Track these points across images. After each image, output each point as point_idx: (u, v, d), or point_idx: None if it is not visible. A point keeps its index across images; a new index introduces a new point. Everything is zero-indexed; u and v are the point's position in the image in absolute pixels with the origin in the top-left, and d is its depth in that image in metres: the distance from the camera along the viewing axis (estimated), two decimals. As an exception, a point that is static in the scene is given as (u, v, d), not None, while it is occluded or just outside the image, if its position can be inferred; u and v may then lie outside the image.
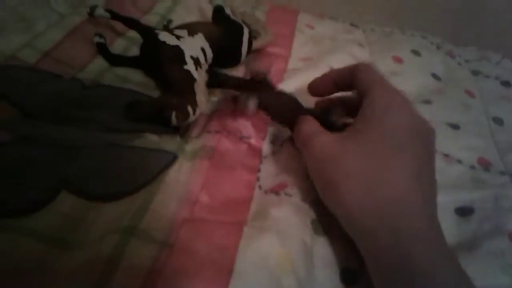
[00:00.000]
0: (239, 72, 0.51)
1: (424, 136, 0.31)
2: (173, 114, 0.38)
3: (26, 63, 0.42)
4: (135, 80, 0.46)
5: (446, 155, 0.43)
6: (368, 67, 0.35)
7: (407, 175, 0.28)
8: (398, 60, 0.58)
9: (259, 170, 0.38)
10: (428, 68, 0.57)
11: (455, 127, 0.47)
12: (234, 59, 0.51)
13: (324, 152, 0.32)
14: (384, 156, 0.29)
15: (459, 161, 0.43)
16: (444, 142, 0.44)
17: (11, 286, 0.26)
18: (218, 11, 0.53)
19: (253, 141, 0.41)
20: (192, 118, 0.39)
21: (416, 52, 0.60)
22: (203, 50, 0.46)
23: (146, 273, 0.27)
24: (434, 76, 0.56)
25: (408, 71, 0.56)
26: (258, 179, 0.38)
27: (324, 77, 0.39)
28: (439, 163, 0.41)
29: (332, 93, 0.39)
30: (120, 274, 0.26)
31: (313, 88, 0.40)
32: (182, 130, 0.40)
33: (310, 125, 0.35)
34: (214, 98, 0.46)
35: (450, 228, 0.35)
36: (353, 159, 0.30)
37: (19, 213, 0.29)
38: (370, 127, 0.31)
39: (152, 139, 0.38)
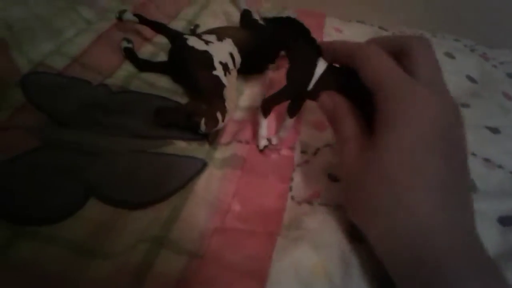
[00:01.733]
0: (267, 76, 0.50)
1: (452, 134, 0.27)
2: (202, 121, 0.37)
3: (54, 69, 0.42)
4: (163, 86, 0.45)
5: (487, 160, 0.41)
6: (425, 44, 0.30)
7: (430, 196, 0.25)
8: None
9: (291, 180, 0.37)
10: (463, 71, 0.55)
11: (495, 131, 0.45)
12: (262, 63, 0.50)
13: (348, 167, 0.29)
14: (403, 180, 0.25)
15: (500, 166, 0.41)
16: (484, 146, 0.42)
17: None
18: (246, 15, 0.53)
19: (283, 152, 0.40)
20: (221, 124, 0.38)
21: (449, 55, 0.58)
22: (231, 55, 0.45)
23: (176, 284, 0.26)
24: (470, 78, 0.54)
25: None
26: (290, 188, 0.36)
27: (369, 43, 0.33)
28: (479, 168, 0.40)
29: None
30: (149, 283, 0.26)
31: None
32: (211, 137, 0.40)
33: (350, 127, 0.31)
34: (244, 104, 0.45)
35: (492, 238, 0.33)
36: (373, 185, 0.27)
37: (47, 221, 0.29)
38: (388, 143, 0.26)
39: (180, 146, 0.38)
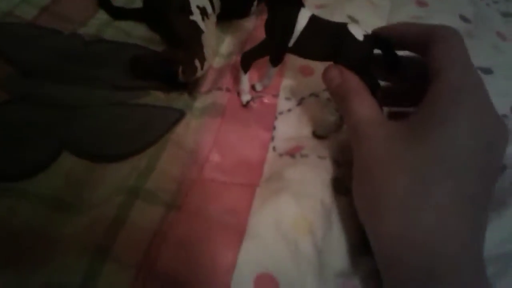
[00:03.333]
0: (249, 22, 0.47)
1: (492, 149, 0.24)
2: (180, 69, 0.35)
3: (23, 19, 0.39)
4: (139, 34, 0.43)
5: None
6: (452, 38, 0.27)
7: (457, 204, 0.23)
8: (422, 3, 0.53)
9: (274, 128, 0.36)
10: (456, 10, 0.53)
11: (488, 71, 0.43)
12: (244, 9, 0.47)
13: (371, 156, 0.26)
14: (433, 181, 0.23)
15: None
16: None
17: (12, 252, 0.25)
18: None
19: (265, 99, 0.38)
20: (200, 72, 0.37)
21: (441, -7, 0.55)
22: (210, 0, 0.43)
23: (152, 235, 0.26)
24: (463, 18, 0.52)
25: (433, 15, 0.51)
26: (272, 138, 0.35)
27: (391, 29, 0.31)
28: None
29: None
30: (125, 236, 0.25)
31: (383, 30, 0.32)
32: (190, 86, 0.38)
33: (362, 109, 0.28)
34: (225, 51, 0.43)
35: None
36: (398, 179, 0.24)
37: (18, 176, 0.28)
38: (425, 138, 0.24)
39: (158, 96, 0.36)
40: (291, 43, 0.32)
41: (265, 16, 0.33)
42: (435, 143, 0.24)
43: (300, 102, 0.38)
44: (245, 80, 0.37)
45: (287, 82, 0.40)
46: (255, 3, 0.46)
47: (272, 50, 0.34)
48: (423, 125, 0.24)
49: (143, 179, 0.29)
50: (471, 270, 0.22)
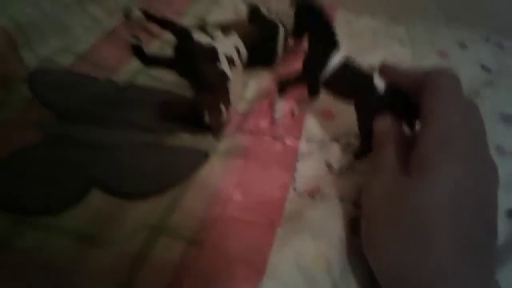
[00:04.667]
0: (274, 70, 0.50)
1: (485, 192, 0.25)
2: (206, 113, 0.37)
3: (61, 66, 0.42)
4: (169, 80, 0.45)
5: (499, 147, 0.40)
6: (442, 81, 0.28)
7: (451, 254, 0.23)
8: (443, 54, 0.55)
9: (295, 170, 0.37)
10: (477, 60, 0.54)
11: (508, 118, 0.44)
12: (269, 58, 0.50)
13: (379, 198, 0.28)
14: (430, 225, 0.24)
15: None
16: (497, 134, 0.41)
17: (39, 285, 0.26)
18: (254, 10, 0.53)
19: (288, 141, 0.39)
20: (225, 116, 0.38)
21: (462, 45, 0.57)
22: (237, 49, 0.45)
23: (174, 270, 0.26)
24: (484, 67, 0.53)
25: (454, 65, 0.52)
26: (294, 179, 0.36)
27: (391, 71, 0.33)
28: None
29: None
30: (148, 271, 0.26)
31: (384, 71, 0.34)
32: (215, 129, 0.40)
33: (388, 154, 0.29)
34: (249, 97, 0.45)
35: (499, 231, 0.32)
36: (401, 223, 0.25)
37: (49, 211, 0.29)
38: (416, 189, 0.25)
39: (185, 138, 0.38)
40: (322, 79, 0.36)
41: (288, 65, 0.36)
42: (426, 194, 0.24)
43: (321, 146, 0.39)
44: (279, 102, 0.42)
45: (309, 125, 0.41)
46: (279, 53, 0.49)
47: (306, 82, 0.39)
48: (415, 175, 0.26)
49: (167, 216, 0.30)
50: None
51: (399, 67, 0.33)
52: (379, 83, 0.33)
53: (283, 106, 0.42)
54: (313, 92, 0.40)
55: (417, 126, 0.33)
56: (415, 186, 0.25)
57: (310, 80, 0.39)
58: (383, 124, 0.32)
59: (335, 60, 0.36)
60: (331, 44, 0.36)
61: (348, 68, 0.36)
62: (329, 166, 0.37)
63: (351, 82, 0.35)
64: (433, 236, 0.23)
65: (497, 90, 0.48)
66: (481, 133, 0.27)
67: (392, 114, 0.32)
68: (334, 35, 0.37)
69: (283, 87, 0.41)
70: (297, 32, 0.39)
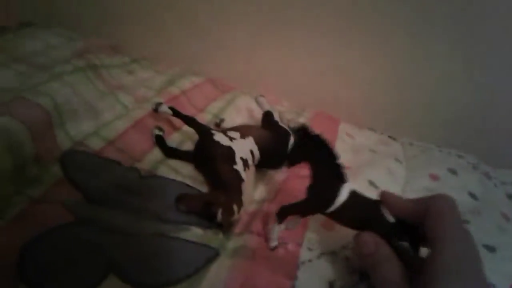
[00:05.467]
0: (281, 174, 0.54)
1: None
2: (220, 211, 0.40)
3: (91, 149, 0.46)
4: (186, 173, 0.49)
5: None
6: (444, 209, 0.33)
7: None
8: (435, 177, 0.60)
9: (296, 278, 0.39)
10: (465, 187, 0.59)
11: (491, 249, 0.47)
12: (278, 162, 0.54)
13: None
14: None
15: (493, 286, 0.42)
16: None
17: None
18: (267, 116, 0.58)
19: (290, 246, 0.42)
20: (236, 216, 0.42)
21: (452, 171, 0.62)
22: (252, 152, 0.50)
23: None
24: (471, 195, 0.58)
25: (444, 189, 0.57)
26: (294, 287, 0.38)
27: (400, 200, 0.37)
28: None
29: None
30: None
31: (387, 200, 0.37)
32: (226, 227, 0.43)
33: (388, 272, 0.33)
34: (258, 198, 0.49)
35: None
36: None
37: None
38: None
39: (196, 233, 0.40)
40: (329, 210, 0.37)
41: (294, 170, 0.39)
42: None
43: (319, 256, 0.42)
44: (276, 230, 0.41)
45: (310, 234, 0.44)
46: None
47: (308, 212, 0.41)
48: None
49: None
50: None
51: (399, 197, 0.37)
52: (387, 213, 0.36)
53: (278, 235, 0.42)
54: (306, 217, 0.43)
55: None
56: None
57: (316, 210, 0.39)
58: (369, 241, 0.35)
59: (344, 193, 0.37)
60: (339, 178, 0.37)
61: (356, 199, 0.37)
62: (331, 285, 0.39)
63: (360, 213, 0.37)
64: None
65: (482, 219, 0.52)
66: (478, 256, 0.31)
67: (401, 241, 0.35)
68: (340, 168, 0.37)
69: (284, 214, 0.40)
70: (292, 160, 0.41)
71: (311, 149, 0.39)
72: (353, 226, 0.38)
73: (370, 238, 0.35)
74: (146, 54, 0.81)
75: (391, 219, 0.36)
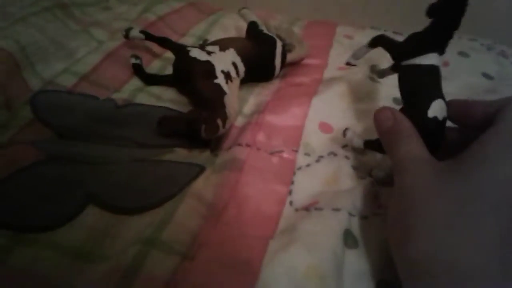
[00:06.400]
0: (273, 85, 0.50)
1: None
2: (203, 127, 0.37)
3: (63, 87, 0.43)
4: (168, 97, 0.46)
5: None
6: None
7: (495, 241, 0.23)
8: (444, 63, 0.54)
9: (292, 183, 0.36)
10: (478, 68, 0.54)
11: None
12: (267, 73, 0.50)
13: (415, 187, 0.27)
14: (473, 215, 0.23)
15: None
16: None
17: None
18: (252, 26, 0.53)
19: (285, 154, 0.39)
20: (222, 131, 0.39)
21: (464, 54, 0.56)
22: (234, 64, 0.46)
23: (165, 284, 0.26)
24: (486, 75, 0.53)
25: (455, 73, 0.52)
26: (290, 192, 0.35)
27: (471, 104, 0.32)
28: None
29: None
30: (138, 284, 0.26)
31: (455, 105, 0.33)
32: (212, 144, 0.40)
33: (411, 148, 0.29)
34: (248, 112, 0.46)
35: None
36: (438, 208, 0.24)
37: (45, 227, 0.29)
38: (470, 174, 0.25)
39: (182, 154, 0.38)
40: (404, 63, 0.35)
41: (287, 79, 0.36)
42: (478, 179, 0.24)
43: (318, 160, 0.39)
44: (364, 51, 0.43)
45: (306, 138, 0.41)
46: (277, 68, 0.49)
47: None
48: (469, 163, 0.25)
49: (160, 230, 0.30)
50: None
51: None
52: (436, 109, 0.32)
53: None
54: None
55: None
56: (469, 174, 0.25)
57: (397, 52, 0.37)
58: (387, 115, 0.32)
59: (430, 59, 0.34)
60: (439, 43, 0.34)
61: (429, 74, 0.34)
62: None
63: (419, 86, 0.33)
64: (484, 225, 0.23)
65: (498, 96, 0.47)
66: None
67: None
68: (449, 37, 0.34)
69: (375, 43, 0.40)
70: (431, 10, 0.35)
71: (449, 6, 0.34)
72: (405, 90, 0.35)
73: (388, 112, 0.32)
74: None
75: (431, 114, 0.31)
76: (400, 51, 0.36)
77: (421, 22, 0.34)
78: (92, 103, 0.42)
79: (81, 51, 0.50)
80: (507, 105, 0.27)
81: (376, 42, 0.40)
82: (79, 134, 0.38)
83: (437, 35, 0.34)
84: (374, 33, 0.66)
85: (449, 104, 0.32)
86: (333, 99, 0.45)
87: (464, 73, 0.52)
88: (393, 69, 0.40)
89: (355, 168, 0.38)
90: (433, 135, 0.31)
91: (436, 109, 0.31)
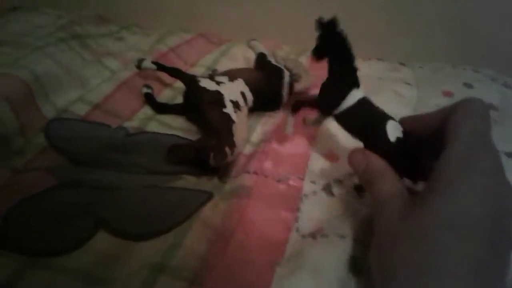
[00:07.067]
0: (279, 114, 0.51)
1: (502, 217, 0.24)
2: (211, 155, 0.38)
3: (77, 116, 0.45)
4: (178, 126, 0.47)
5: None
6: (468, 107, 0.28)
7: (464, 269, 0.22)
8: (448, 94, 0.55)
9: (298, 210, 0.37)
10: (483, 99, 0.54)
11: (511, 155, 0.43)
12: (275, 102, 0.51)
13: (385, 227, 0.27)
14: (438, 245, 0.23)
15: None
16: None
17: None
18: (260, 57, 0.55)
19: (291, 181, 0.40)
20: (230, 158, 0.40)
21: (468, 85, 0.57)
22: (242, 94, 0.47)
23: None
24: (490, 106, 0.53)
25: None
26: (297, 219, 0.36)
27: (416, 119, 0.33)
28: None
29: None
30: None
31: (406, 121, 0.34)
32: (221, 171, 0.41)
33: (383, 187, 0.29)
34: (256, 140, 0.46)
35: None
36: (410, 246, 0.24)
37: (57, 252, 0.30)
38: (430, 204, 0.24)
39: (191, 180, 0.39)
40: (336, 112, 0.36)
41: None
42: (439, 209, 0.24)
43: (324, 187, 0.40)
44: (291, 120, 0.45)
45: (313, 166, 0.41)
46: (284, 97, 0.51)
47: (319, 108, 0.40)
48: (430, 193, 0.25)
49: (169, 256, 0.30)
50: None
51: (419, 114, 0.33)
52: (391, 131, 0.33)
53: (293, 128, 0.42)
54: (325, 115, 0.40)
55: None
56: (415, 213, 0.25)
57: (323, 109, 0.39)
58: (360, 158, 0.32)
59: (354, 96, 0.35)
60: (351, 81, 0.36)
61: (364, 108, 0.35)
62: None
63: (364, 122, 0.35)
64: (445, 255, 0.23)
65: (502, 127, 0.48)
66: (499, 156, 0.26)
67: (397, 166, 0.31)
68: (354, 71, 0.36)
69: (297, 106, 0.42)
70: (316, 53, 0.37)
71: (332, 44, 0.36)
72: (355, 133, 0.36)
73: (359, 154, 0.32)
74: (136, 21, 0.78)
75: (392, 138, 0.32)
76: (326, 107, 0.38)
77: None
78: (105, 131, 0.43)
79: (94, 80, 0.52)
80: (455, 117, 0.27)
81: (296, 107, 0.43)
82: (91, 161, 0.39)
83: (341, 75, 0.36)
84: (379, 64, 0.68)
85: (401, 122, 0.34)
86: (340, 128, 0.46)
87: (468, 104, 0.53)
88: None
89: (360, 195, 0.39)
90: (405, 154, 0.32)
91: (392, 131, 0.32)
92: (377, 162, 0.31)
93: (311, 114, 0.42)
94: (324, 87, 0.38)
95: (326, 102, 0.37)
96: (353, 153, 0.33)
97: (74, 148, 0.40)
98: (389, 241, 0.26)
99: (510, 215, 0.24)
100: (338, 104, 0.35)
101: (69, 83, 0.49)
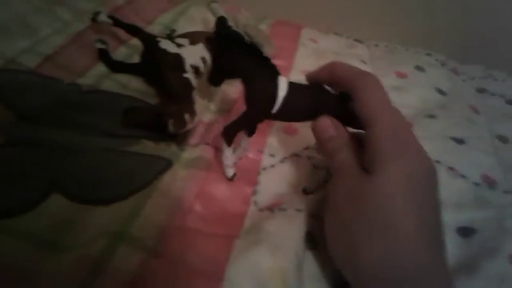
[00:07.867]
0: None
1: (430, 181, 0.28)
2: (170, 122, 0.37)
3: (25, 67, 0.41)
4: (135, 87, 0.45)
5: (451, 168, 0.42)
6: (373, 86, 0.30)
7: (419, 242, 0.25)
8: (402, 75, 0.57)
9: (257, 183, 0.37)
10: (433, 83, 0.57)
11: (460, 141, 0.46)
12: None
13: (349, 195, 0.28)
14: (392, 224, 0.26)
15: (463, 176, 0.41)
16: (448, 156, 0.43)
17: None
18: (220, 22, 0.53)
19: (251, 154, 0.40)
20: (189, 126, 0.39)
21: (420, 68, 0.59)
22: (203, 59, 0.46)
23: (133, 279, 0.26)
24: (439, 91, 0.56)
25: (412, 86, 0.55)
26: (255, 192, 0.37)
27: (321, 70, 0.33)
28: (443, 177, 0.40)
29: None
30: (106, 277, 0.26)
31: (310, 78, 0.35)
32: (179, 138, 0.40)
33: (352, 159, 0.30)
34: (216, 108, 0.46)
35: (450, 248, 0.32)
36: (371, 211, 0.27)
37: (7, 214, 0.29)
38: (374, 184, 0.27)
39: (148, 146, 0.38)
40: (274, 110, 0.32)
41: None
42: (393, 177, 0.26)
43: (282, 160, 0.40)
44: (229, 154, 0.36)
45: (271, 139, 0.42)
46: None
47: (254, 120, 0.35)
48: (380, 164, 0.27)
49: (128, 224, 0.30)
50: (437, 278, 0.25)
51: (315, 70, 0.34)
52: (330, 88, 0.33)
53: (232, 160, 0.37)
54: (252, 131, 0.37)
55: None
56: (372, 181, 0.27)
57: (260, 117, 0.34)
58: (327, 125, 0.32)
59: (282, 86, 0.32)
60: (272, 72, 0.33)
61: (296, 88, 0.33)
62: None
63: (307, 99, 0.32)
64: (400, 225, 0.25)
65: (450, 113, 0.50)
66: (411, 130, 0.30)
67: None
68: (268, 59, 0.32)
69: (230, 134, 0.35)
70: (214, 80, 0.35)
71: (237, 50, 0.32)
72: (303, 117, 0.34)
73: (328, 121, 0.32)
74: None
75: (333, 91, 0.32)
76: (262, 106, 0.33)
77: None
78: (56, 86, 0.40)
79: (45, 30, 0.48)
80: (371, 94, 0.29)
81: (228, 134, 0.35)
82: (41, 118, 0.37)
83: (261, 68, 0.32)
84: (337, 39, 0.69)
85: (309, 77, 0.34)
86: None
87: (419, 87, 0.56)
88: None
89: (316, 169, 0.40)
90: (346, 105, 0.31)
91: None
92: (345, 130, 0.32)
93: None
94: (250, 95, 0.33)
95: (262, 106, 0.33)
96: (320, 120, 0.32)
97: (23, 102, 0.37)
98: (349, 208, 0.28)
99: (437, 183, 0.28)
100: (274, 100, 0.32)
101: (17, 31, 0.45)
